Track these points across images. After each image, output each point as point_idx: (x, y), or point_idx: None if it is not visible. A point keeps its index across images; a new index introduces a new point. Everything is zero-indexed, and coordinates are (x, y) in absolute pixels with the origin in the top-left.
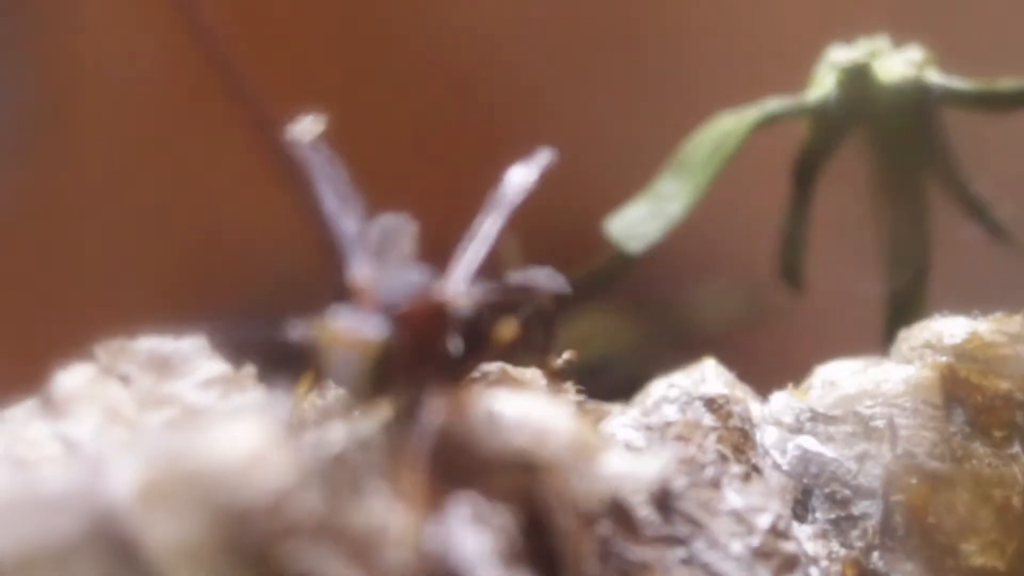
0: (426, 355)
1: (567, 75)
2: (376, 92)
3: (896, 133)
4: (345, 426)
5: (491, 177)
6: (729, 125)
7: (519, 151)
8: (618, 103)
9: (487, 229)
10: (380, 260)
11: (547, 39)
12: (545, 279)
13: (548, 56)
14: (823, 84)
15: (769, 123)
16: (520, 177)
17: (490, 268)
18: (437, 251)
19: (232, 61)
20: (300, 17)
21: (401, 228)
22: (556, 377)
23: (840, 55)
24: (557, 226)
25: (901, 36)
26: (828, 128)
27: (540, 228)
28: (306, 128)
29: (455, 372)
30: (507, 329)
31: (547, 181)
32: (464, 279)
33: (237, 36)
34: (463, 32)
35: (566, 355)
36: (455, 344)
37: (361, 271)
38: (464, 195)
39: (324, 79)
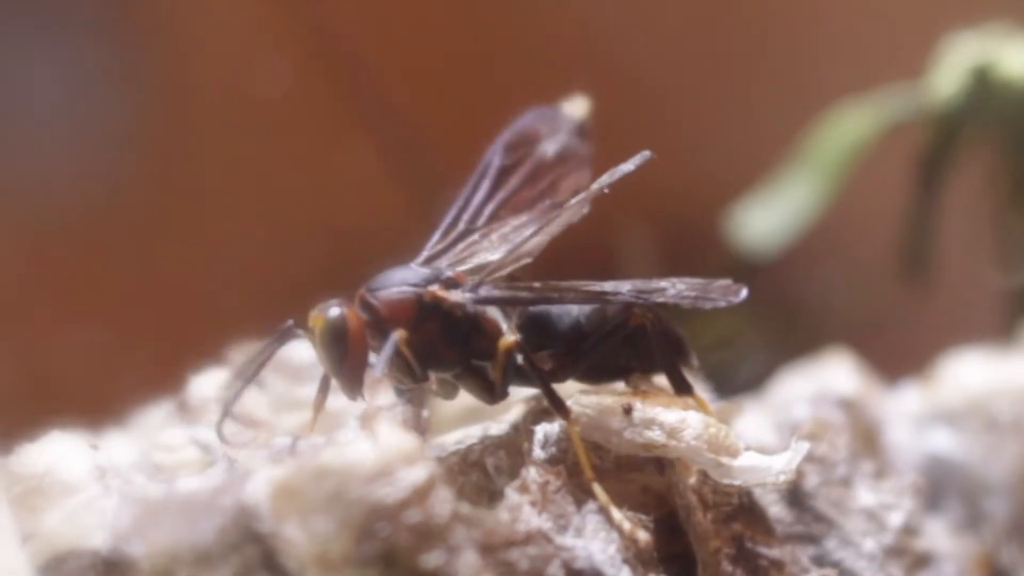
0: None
1: (684, 69)
2: (502, 87)
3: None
4: (476, 427)
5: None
6: (854, 123)
7: (638, 143)
8: (732, 92)
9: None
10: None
11: (665, 35)
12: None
13: (667, 53)
14: (946, 82)
15: (894, 123)
16: (608, 175)
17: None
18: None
19: (349, 56)
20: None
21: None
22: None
23: (962, 51)
24: (678, 214)
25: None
26: (953, 128)
27: (662, 217)
28: (576, 107)
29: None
30: (506, 341)
31: (668, 173)
32: (476, 284)
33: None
34: (581, 25)
35: (694, 361)
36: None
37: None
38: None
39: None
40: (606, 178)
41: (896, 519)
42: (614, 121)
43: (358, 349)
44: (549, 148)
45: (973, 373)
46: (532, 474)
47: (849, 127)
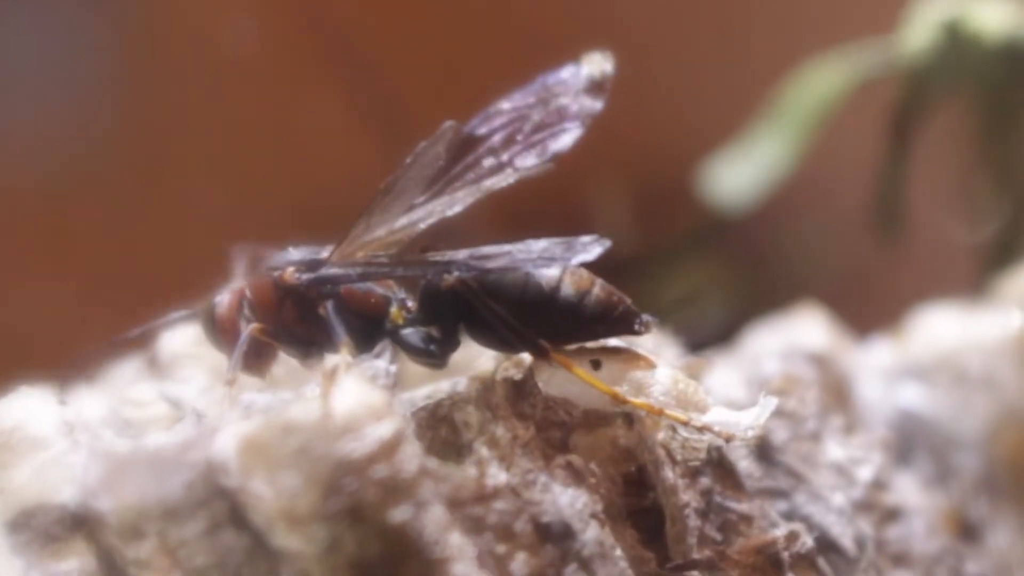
0: (267, 318)
1: (658, 26)
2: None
3: (995, 87)
4: (446, 382)
5: None
6: (827, 79)
7: (612, 98)
8: (705, 47)
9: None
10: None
11: None
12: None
13: (641, 10)
14: (918, 38)
15: (867, 78)
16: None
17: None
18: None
19: (319, 7)
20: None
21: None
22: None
23: (934, 7)
24: (652, 169)
25: None
26: (924, 83)
27: (636, 173)
28: (597, 63)
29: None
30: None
31: (641, 129)
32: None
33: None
34: None
35: (646, 317)
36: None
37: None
38: None
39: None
40: (420, 157)
41: (865, 474)
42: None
43: (227, 332)
44: (540, 115)
45: (944, 328)
46: (500, 429)
47: (821, 82)
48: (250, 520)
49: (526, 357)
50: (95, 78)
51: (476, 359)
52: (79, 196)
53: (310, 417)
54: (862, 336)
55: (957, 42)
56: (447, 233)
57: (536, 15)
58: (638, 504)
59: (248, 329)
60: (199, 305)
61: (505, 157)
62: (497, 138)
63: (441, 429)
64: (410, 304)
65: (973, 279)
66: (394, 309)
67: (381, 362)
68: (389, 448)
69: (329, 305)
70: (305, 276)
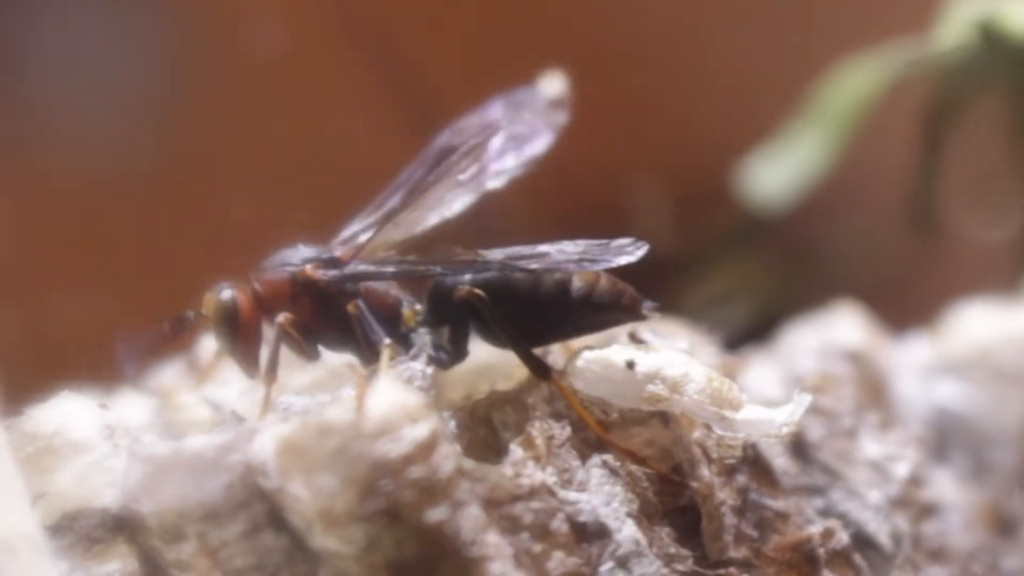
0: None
1: (695, 24)
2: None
3: None
4: (484, 383)
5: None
6: (862, 78)
7: (649, 98)
8: (741, 47)
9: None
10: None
11: None
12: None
13: (678, 9)
14: (951, 36)
15: (901, 77)
16: None
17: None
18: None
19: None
20: None
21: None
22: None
23: (967, 5)
24: (690, 169)
25: None
26: (958, 82)
27: (674, 173)
28: (554, 83)
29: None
30: (351, 307)
31: (679, 128)
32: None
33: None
34: None
35: (650, 304)
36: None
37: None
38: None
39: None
40: (467, 156)
41: (901, 470)
42: (626, 77)
43: (249, 329)
44: (508, 127)
45: (980, 324)
46: (536, 429)
47: (857, 82)
48: (289, 521)
49: (559, 358)
50: (129, 85)
51: (514, 360)
52: (115, 202)
53: (347, 419)
54: (898, 333)
55: (990, 41)
56: (483, 232)
57: (572, 12)
58: (674, 502)
59: (281, 319)
60: (206, 305)
61: (484, 161)
62: (472, 145)
63: (478, 430)
64: (417, 306)
65: (1009, 276)
66: (406, 311)
67: (417, 363)
68: (425, 449)
69: (360, 303)
70: (331, 273)
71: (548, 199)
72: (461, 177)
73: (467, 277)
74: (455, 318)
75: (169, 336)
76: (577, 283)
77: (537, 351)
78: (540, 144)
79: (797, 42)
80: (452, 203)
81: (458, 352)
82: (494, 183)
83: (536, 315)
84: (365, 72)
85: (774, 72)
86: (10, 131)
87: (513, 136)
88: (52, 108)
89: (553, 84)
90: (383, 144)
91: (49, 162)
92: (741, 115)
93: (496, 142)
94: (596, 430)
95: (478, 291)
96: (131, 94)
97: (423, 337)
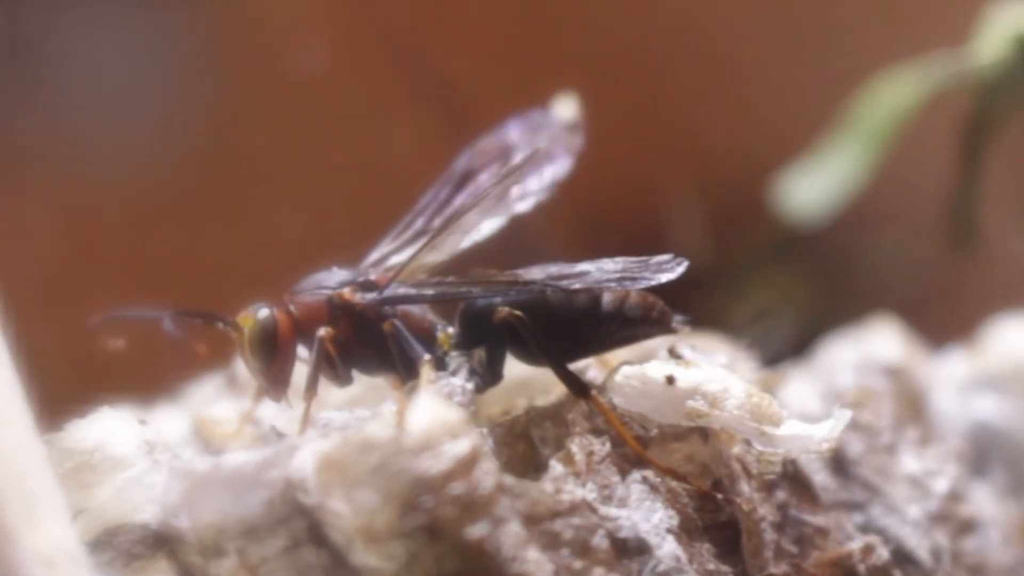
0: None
1: (732, 40)
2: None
3: None
4: (523, 399)
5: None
6: (899, 91)
7: (688, 111)
8: (778, 60)
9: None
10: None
11: (713, 8)
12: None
13: (715, 25)
14: (989, 50)
15: (940, 89)
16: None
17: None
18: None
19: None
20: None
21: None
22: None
23: (1005, 19)
24: (726, 182)
25: None
26: (996, 95)
27: (711, 186)
28: (566, 107)
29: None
30: (387, 326)
31: (716, 141)
32: (388, 286)
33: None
34: None
35: (680, 317)
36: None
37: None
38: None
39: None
40: (507, 178)
41: (941, 485)
42: (662, 91)
43: (285, 350)
44: (525, 149)
45: (1018, 339)
46: (576, 445)
47: (894, 95)
48: (329, 537)
49: (598, 374)
50: (172, 99)
51: (553, 376)
52: (156, 216)
53: (387, 434)
54: (936, 347)
55: None
56: (520, 250)
57: (608, 25)
58: (714, 518)
59: (322, 332)
60: (241, 324)
61: (508, 185)
62: (493, 171)
63: (518, 446)
64: (450, 329)
65: None
66: (440, 334)
67: (458, 380)
68: (466, 465)
69: (398, 323)
70: (370, 296)
71: (585, 214)
72: (488, 201)
73: (499, 300)
74: (490, 340)
75: (168, 330)
76: (608, 297)
77: (575, 366)
78: (560, 168)
79: (834, 55)
80: (481, 227)
81: (493, 375)
82: (521, 207)
83: (568, 330)
84: (405, 86)
85: (811, 85)
86: (53, 145)
87: (532, 159)
88: (95, 122)
89: (567, 108)
90: (423, 157)
91: (91, 176)
92: (778, 129)
93: (517, 167)
94: (635, 448)
95: (518, 312)
96: (173, 109)
97: (457, 360)
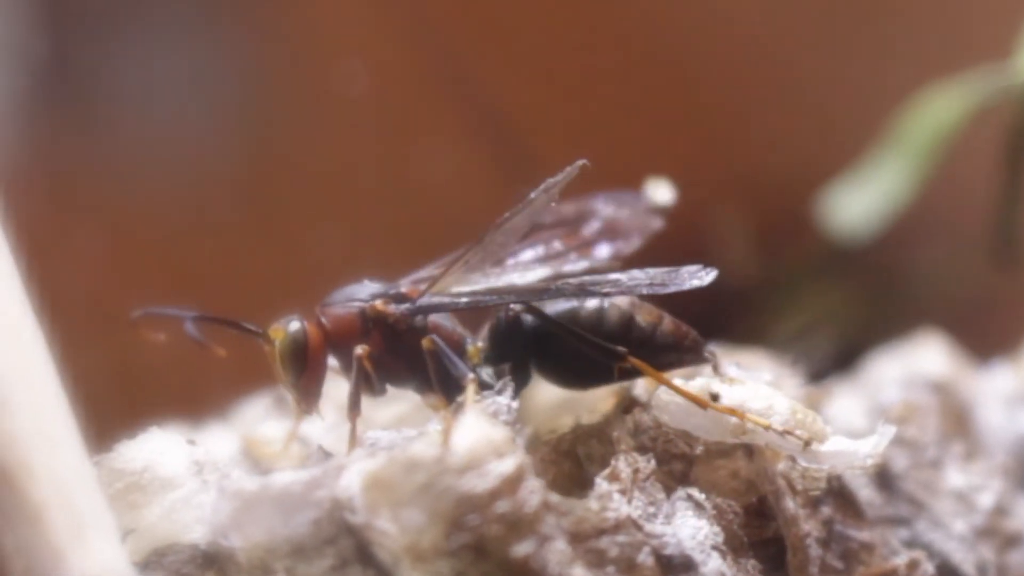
0: (346, 350)
1: (775, 57)
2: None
3: None
4: (568, 417)
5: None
6: (943, 106)
7: (734, 128)
8: (823, 76)
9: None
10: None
11: (756, 28)
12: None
13: (758, 43)
14: None
15: (984, 104)
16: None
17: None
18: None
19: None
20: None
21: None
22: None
23: None
24: (772, 198)
25: None
26: None
27: (756, 202)
28: (661, 192)
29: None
30: (427, 342)
31: (761, 158)
32: (420, 297)
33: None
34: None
35: (711, 347)
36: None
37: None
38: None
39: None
40: (542, 195)
41: (986, 500)
42: (708, 108)
43: (316, 363)
44: (602, 220)
45: None
46: (622, 462)
47: (939, 110)
48: (376, 556)
49: (643, 392)
50: (216, 121)
51: (598, 395)
52: (201, 237)
53: (433, 453)
54: (982, 362)
55: None
56: None
57: (652, 45)
58: (759, 535)
59: (359, 351)
60: (273, 336)
61: (575, 245)
62: (567, 229)
63: (563, 463)
64: (479, 343)
65: None
66: (471, 347)
67: (503, 398)
68: (511, 483)
69: (436, 338)
70: (403, 306)
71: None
72: (545, 251)
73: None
74: (517, 355)
75: (192, 332)
76: (641, 321)
77: (617, 386)
78: (627, 246)
79: (879, 70)
80: (527, 273)
81: (520, 384)
82: (570, 267)
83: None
84: (450, 110)
85: (856, 101)
86: (100, 167)
87: (608, 230)
88: (140, 143)
89: (661, 191)
90: (465, 181)
91: (137, 198)
92: (823, 144)
93: (589, 231)
94: (673, 387)
95: (534, 305)
96: (217, 131)
97: (488, 374)
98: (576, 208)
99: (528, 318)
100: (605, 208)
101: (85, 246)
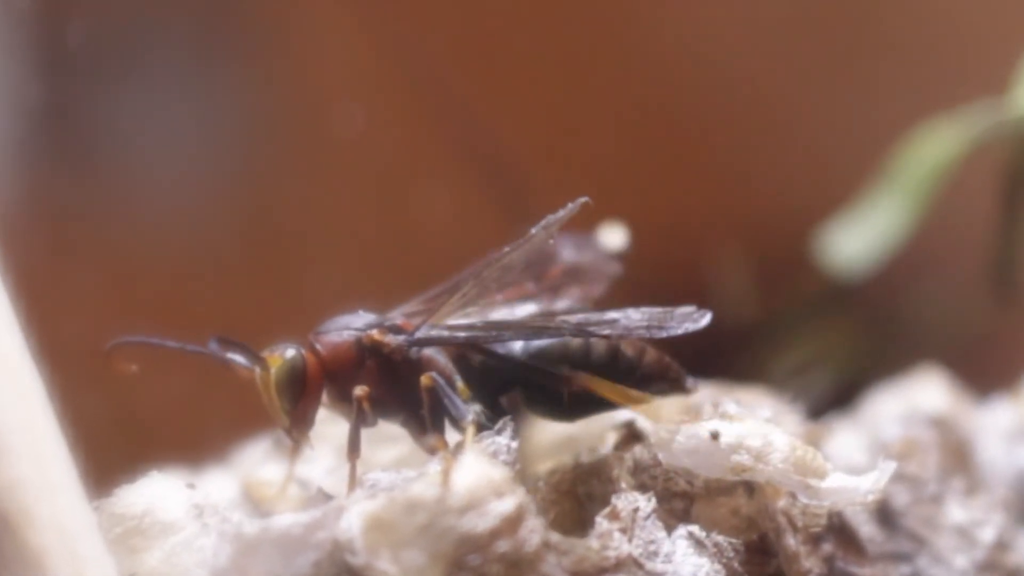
0: (339, 379)
1: (772, 94)
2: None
3: None
4: (568, 456)
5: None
6: (939, 143)
7: (732, 165)
8: (818, 114)
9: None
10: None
11: (752, 65)
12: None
13: (755, 81)
14: None
15: (980, 140)
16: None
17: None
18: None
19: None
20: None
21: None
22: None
23: None
24: (770, 235)
25: None
26: None
27: (754, 239)
28: (614, 237)
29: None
30: (426, 379)
31: (759, 195)
32: (418, 329)
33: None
34: (672, 53)
35: (693, 380)
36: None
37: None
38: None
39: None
40: (542, 232)
41: (987, 535)
42: (705, 145)
43: (313, 390)
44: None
45: None
46: (622, 501)
47: (935, 147)
48: None
49: (646, 430)
50: (214, 162)
51: (597, 433)
52: (199, 279)
53: (433, 494)
54: (981, 397)
55: None
56: None
57: (651, 84)
58: (761, 571)
59: (359, 391)
60: (269, 363)
61: (545, 287)
62: (532, 271)
63: (563, 503)
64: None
65: None
66: (460, 383)
67: (503, 438)
68: (511, 523)
69: (435, 375)
70: (401, 336)
71: (627, 269)
72: (519, 292)
73: (518, 345)
74: (505, 390)
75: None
76: (627, 353)
77: (618, 423)
78: (594, 290)
79: (875, 107)
80: (516, 310)
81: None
82: (558, 304)
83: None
84: (447, 151)
85: (852, 138)
86: (98, 212)
87: (571, 273)
88: (138, 188)
89: (614, 237)
90: (463, 222)
91: (135, 240)
92: (820, 182)
93: (554, 273)
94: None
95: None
96: (215, 175)
97: (474, 410)
98: (543, 255)
99: (476, 356)
100: (565, 251)
101: (83, 291)
